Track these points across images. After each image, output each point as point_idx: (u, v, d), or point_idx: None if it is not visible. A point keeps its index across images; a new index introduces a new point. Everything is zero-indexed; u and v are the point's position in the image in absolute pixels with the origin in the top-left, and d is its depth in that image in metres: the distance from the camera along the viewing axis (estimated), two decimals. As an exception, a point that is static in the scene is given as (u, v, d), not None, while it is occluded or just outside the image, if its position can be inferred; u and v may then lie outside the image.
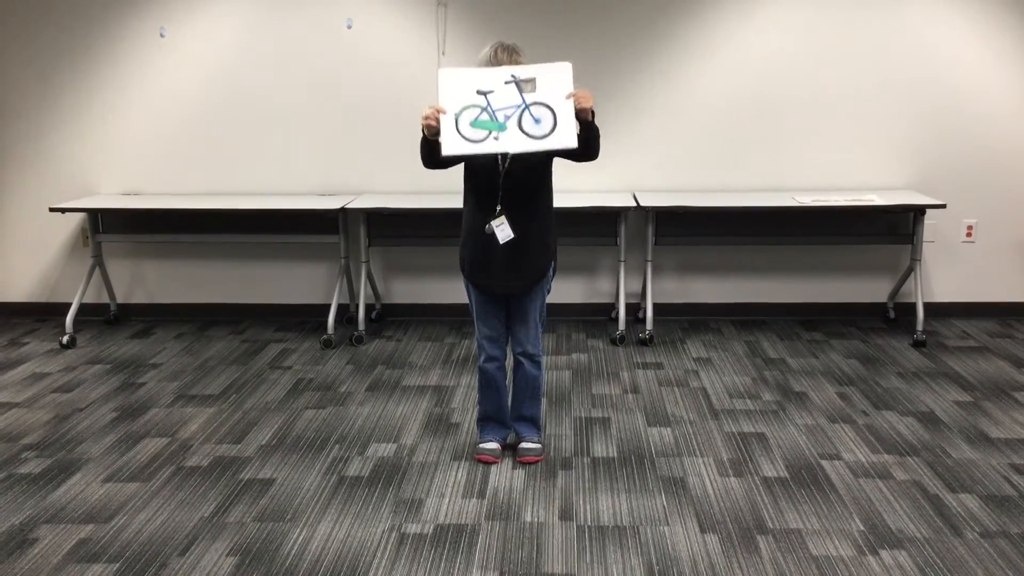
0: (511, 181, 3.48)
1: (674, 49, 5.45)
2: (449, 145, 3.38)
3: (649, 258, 5.38)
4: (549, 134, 3.38)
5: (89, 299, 5.65)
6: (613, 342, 5.21)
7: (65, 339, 5.27)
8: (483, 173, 3.50)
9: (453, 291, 5.70)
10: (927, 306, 5.34)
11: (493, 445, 3.74)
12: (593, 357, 5.00)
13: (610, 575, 2.90)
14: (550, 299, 3.78)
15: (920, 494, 3.40)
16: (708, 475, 3.57)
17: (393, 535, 3.16)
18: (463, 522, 3.24)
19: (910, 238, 5.34)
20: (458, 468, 3.66)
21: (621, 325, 5.25)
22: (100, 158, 5.70)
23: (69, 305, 5.44)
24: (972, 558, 2.97)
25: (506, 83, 3.39)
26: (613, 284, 5.66)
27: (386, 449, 3.85)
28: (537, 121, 3.38)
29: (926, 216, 5.25)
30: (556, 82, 3.38)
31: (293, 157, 5.64)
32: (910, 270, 5.36)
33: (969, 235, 5.60)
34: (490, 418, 3.77)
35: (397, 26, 5.46)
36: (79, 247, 5.81)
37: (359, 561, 3.00)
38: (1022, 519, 3.21)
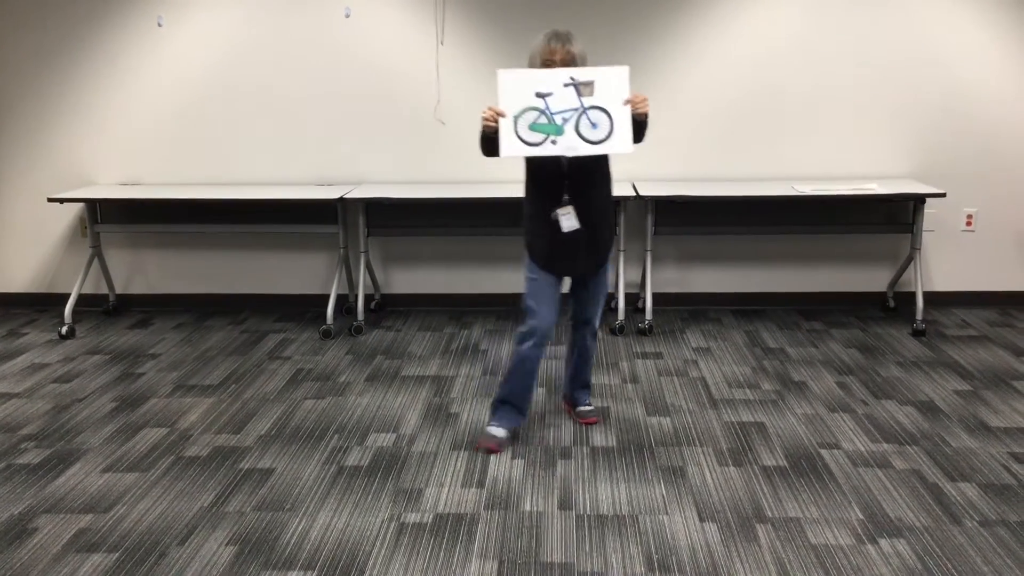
0: (577, 171, 3.57)
1: (674, 38, 5.44)
2: (508, 147, 3.48)
3: (648, 248, 5.37)
4: (606, 139, 3.48)
5: (88, 289, 5.65)
6: (612, 332, 5.21)
7: (64, 329, 5.27)
8: (549, 166, 3.58)
9: (452, 281, 5.71)
10: (927, 295, 5.34)
11: (501, 433, 3.72)
12: (592, 347, 4.99)
13: (609, 564, 2.90)
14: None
15: (919, 483, 3.40)
16: (707, 464, 3.57)
17: (392, 524, 3.16)
18: (462, 511, 3.24)
19: (910, 227, 5.33)
20: (457, 458, 3.66)
21: (620, 315, 5.25)
22: (98, 148, 5.68)
23: (68, 295, 5.44)
24: (971, 546, 2.97)
25: (565, 86, 3.45)
26: (612, 274, 5.63)
27: (385, 439, 3.85)
28: (594, 126, 3.47)
29: (926, 205, 5.24)
30: (614, 86, 3.46)
31: (292, 147, 5.62)
32: (910, 259, 5.35)
33: (969, 224, 5.59)
34: (509, 403, 3.74)
35: (395, 15, 5.44)
36: (78, 237, 5.80)
37: (358, 550, 3.00)
38: (1021, 508, 3.21)
